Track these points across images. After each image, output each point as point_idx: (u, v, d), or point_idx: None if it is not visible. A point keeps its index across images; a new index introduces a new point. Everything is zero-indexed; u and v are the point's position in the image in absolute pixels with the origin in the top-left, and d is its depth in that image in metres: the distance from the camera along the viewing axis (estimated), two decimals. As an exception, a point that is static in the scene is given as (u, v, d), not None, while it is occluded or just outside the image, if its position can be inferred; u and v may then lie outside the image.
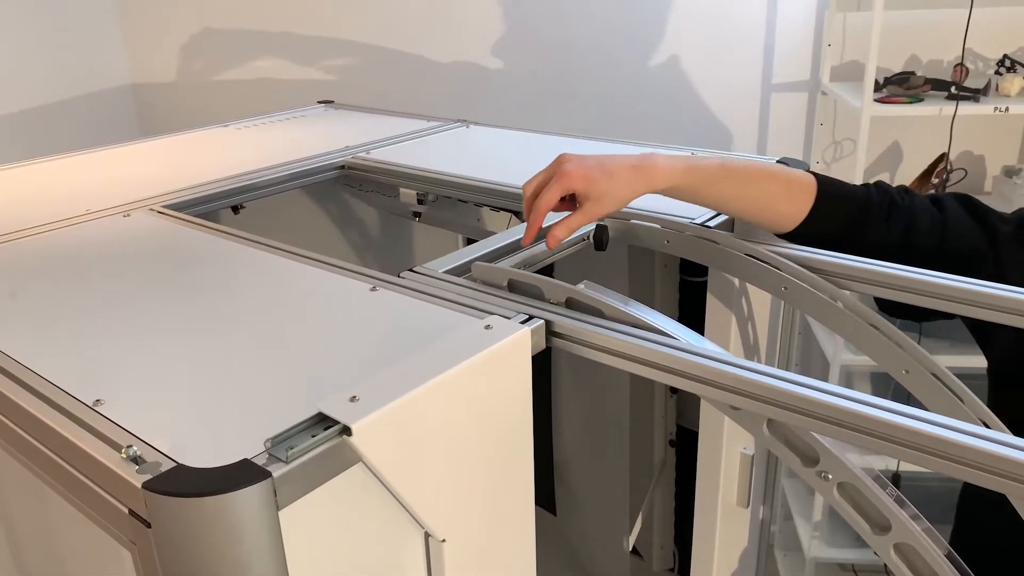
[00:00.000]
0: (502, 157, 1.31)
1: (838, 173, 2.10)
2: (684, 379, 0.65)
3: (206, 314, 0.75)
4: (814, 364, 2.12)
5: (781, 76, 2.07)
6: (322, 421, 0.56)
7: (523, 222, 1.28)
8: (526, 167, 1.27)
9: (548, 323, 0.72)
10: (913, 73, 1.84)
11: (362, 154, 1.32)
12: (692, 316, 1.28)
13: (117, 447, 0.55)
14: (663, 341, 0.67)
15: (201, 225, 1.00)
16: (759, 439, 0.66)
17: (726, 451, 1.10)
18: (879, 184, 0.90)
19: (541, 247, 0.87)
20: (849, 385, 2.00)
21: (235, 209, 1.23)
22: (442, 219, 1.34)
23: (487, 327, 0.68)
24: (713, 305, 1.01)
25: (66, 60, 2.17)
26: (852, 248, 0.86)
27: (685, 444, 1.35)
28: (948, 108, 1.69)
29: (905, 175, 2.05)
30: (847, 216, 0.87)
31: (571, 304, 0.75)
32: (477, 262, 0.82)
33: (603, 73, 2.14)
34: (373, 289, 0.79)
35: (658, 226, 0.91)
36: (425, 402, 0.59)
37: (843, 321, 0.81)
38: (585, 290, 0.73)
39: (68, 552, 0.68)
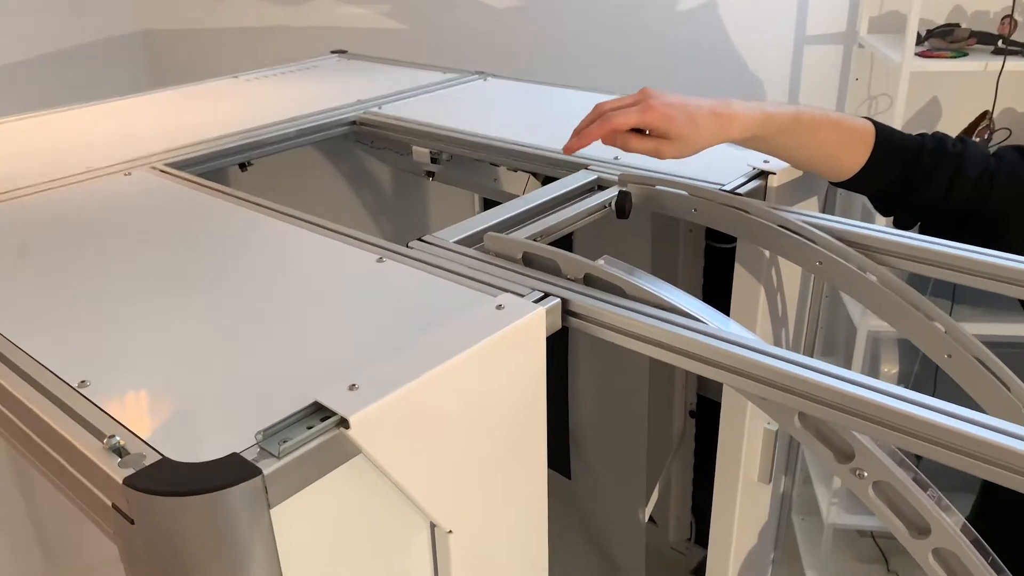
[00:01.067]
0: (521, 113, 1.25)
1: (872, 131, 2.00)
2: (710, 367, 0.60)
3: (201, 288, 0.71)
4: (839, 330, 2.06)
5: (815, 28, 1.97)
6: (318, 411, 0.52)
7: (541, 182, 1.24)
8: (546, 124, 1.23)
9: (564, 301, 0.67)
10: (957, 25, 1.74)
11: (374, 109, 1.27)
12: (718, 284, 1.23)
13: (100, 435, 0.51)
14: (689, 324, 0.62)
15: (203, 186, 0.95)
16: (788, 431, 0.61)
17: (749, 426, 1.06)
18: (936, 134, 0.87)
19: (558, 219, 0.82)
20: (876, 352, 1.94)
21: (242, 166, 1.18)
22: (456, 178, 1.29)
23: (499, 307, 0.63)
24: (741, 276, 0.96)
25: (72, 6, 2.11)
26: (900, 199, 0.86)
27: (705, 414, 1.31)
28: (994, 63, 1.59)
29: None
30: (899, 165, 0.85)
31: (590, 281, 0.70)
32: (490, 232, 0.77)
33: (627, 23, 2.05)
34: (380, 260, 0.74)
35: (685, 193, 0.86)
36: (430, 390, 0.55)
37: (880, 299, 0.75)
38: (605, 266, 0.68)
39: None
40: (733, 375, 0.59)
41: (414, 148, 1.19)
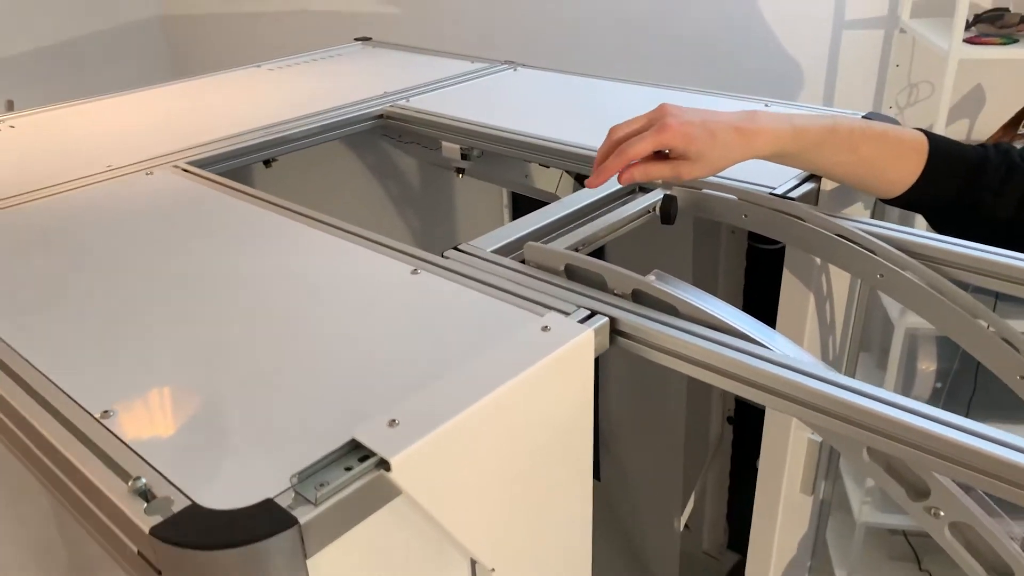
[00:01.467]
0: (553, 106, 1.20)
1: (913, 119, 1.94)
2: (774, 397, 0.56)
3: (228, 304, 0.67)
4: (875, 326, 2.01)
5: (855, 11, 1.89)
6: (356, 449, 0.48)
7: (574, 179, 1.20)
8: (580, 118, 1.18)
9: (612, 320, 0.63)
10: (1007, 10, 1.66)
11: (402, 102, 1.22)
12: (761, 286, 1.18)
13: (125, 475, 0.48)
14: (749, 349, 0.58)
15: (227, 187, 0.91)
16: (855, 464, 0.57)
17: (793, 436, 1.01)
18: (999, 145, 0.81)
19: (600, 225, 0.78)
20: (913, 349, 1.89)
21: (267, 163, 1.14)
22: (486, 174, 1.25)
23: (544, 328, 0.59)
24: (789, 282, 0.91)
25: (93, -9, 2.08)
26: (963, 217, 0.79)
27: (743, 420, 1.27)
28: (1047, 51, 1.52)
29: (987, 123, 1.89)
30: (959, 180, 0.79)
31: (638, 297, 0.66)
32: (531, 243, 0.73)
33: (660, 7, 1.98)
34: (415, 272, 0.71)
35: (734, 197, 0.81)
36: (474, 424, 0.51)
37: (948, 317, 0.70)
38: (656, 282, 0.64)
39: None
40: (799, 406, 0.55)
41: (443, 144, 1.15)
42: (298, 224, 0.81)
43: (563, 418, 0.59)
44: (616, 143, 0.73)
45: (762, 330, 0.60)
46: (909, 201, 0.81)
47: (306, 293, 0.68)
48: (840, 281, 0.96)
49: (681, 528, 1.28)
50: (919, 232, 0.75)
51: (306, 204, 0.88)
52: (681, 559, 1.35)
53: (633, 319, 0.62)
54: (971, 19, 1.66)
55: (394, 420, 0.49)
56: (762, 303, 1.19)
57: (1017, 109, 1.77)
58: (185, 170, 0.98)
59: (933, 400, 1.89)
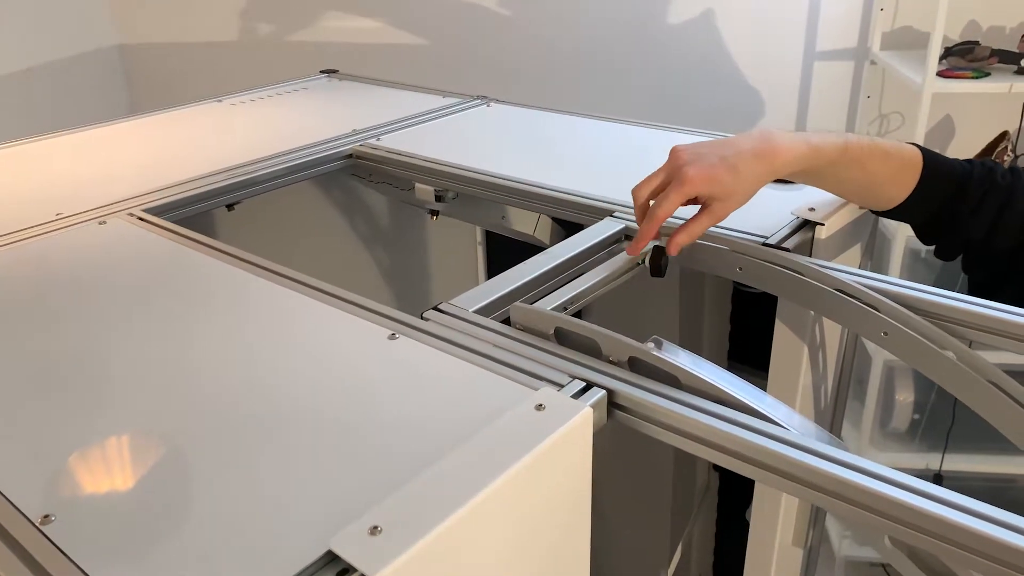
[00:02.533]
0: (529, 144, 1.16)
1: (883, 149, 1.93)
2: (790, 482, 0.51)
3: (186, 383, 0.61)
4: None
5: (825, 43, 1.89)
6: (334, 562, 0.43)
7: (553, 221, 1.16)
8: (555, 157, 1.14)
9: (609, 392, 0.58)
10: (977, 43, 1.67)
11: (372, 140, 1.17)
12: (749, 332, 1.15)
13: (66, 601, 0.41)
14: (761, 428, 0.53)
15: (186, 238, 0.85)
16: (876, 550, 0.53)
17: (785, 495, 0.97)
18: (985, 162, 0.81)
19: (589, 281, 0.73)
20: (891, 381, 1.87)
21: (230, 206, 1.08)
22: (462, 214, 1.20)
23: (539, 407, 0.54)
24: (782, 334, 0.87)
25: (40, 19, 2.00)
26: (945, 229, 0.81)
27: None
28: (1019, 84, 1.52)
29: (957, 154, 1.88)
30: (944, 195, 0.79)
31: (635, 365, 0.61)
32: (517, 304, 0.68)
33: (630, 39, 1.96)
34: (392, 337, 0.65)
35: (727, 248, 0.77)
36: (467, 525, 0.46)
37: (958, 378, 0.67)
38: (655, 349, 0.60)
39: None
40: (818, 493, 0.51)
41: (417, 186, 1.10)
42: (263, 281, 0.75)
43: (561, 504, 0.54)
44: (644, 206, 0.74)
45: (772, 405, 0.56)
46: (901, 214, 0.81)
47: (271, 368, 0.62)
48: (833, 329, 0.92)
49: (668, 579, 1.24)
50: (923, 288, 0.71)
51: (272, 248, 0.82)
52: (666, 609, 1.30)
53: (632, 392, 0.58)
54: (942, 52, 1.66)
55: (376, 527, 0.44)
56: (750, 348, 1.16)
57: (987, 141, 1.77)
58: (141, 218, 0.91)
59: (911, 432, 1.88)
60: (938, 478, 1.82)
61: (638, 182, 0.74)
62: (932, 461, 1.83)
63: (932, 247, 0.85)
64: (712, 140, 0.75)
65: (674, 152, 0.73)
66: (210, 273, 0.78)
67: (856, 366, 1.99)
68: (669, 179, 0.72)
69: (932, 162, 0.80)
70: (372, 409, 0.56)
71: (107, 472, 0.51)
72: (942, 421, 1.79)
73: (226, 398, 0.58)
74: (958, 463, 1.82)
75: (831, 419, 1.09)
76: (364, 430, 0.54)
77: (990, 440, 1.79)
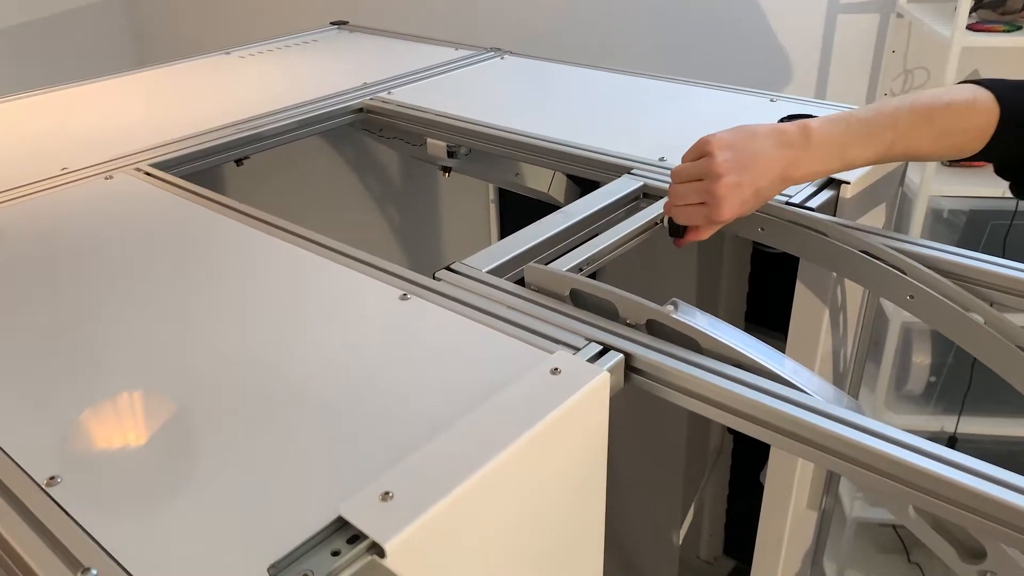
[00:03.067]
0: (543, 98, 1.13)
1: (907, 106, 1.88)
2: (813, 449, 0.50)
3: (196, 341, 0.60)
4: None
5: (851, -6, 1.83)
6: (344, 528, 0.42)
7: (567, 178, 1.13)
8: (572, 112, 1.11)
9: (627, 355, 0.56)
10: (1008, -5, 1.61)
11: (383, 94, 1.14)
12: (767, 293, 1.12)
13: (74, 564, 0.41)
14: (783, 393, 0.52)
15: (194, 194, 0.84)
16: (901, 520, 0.52)
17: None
18: None
19: (606, 241, 0.71)
20: (908, 343, 1.85)
21: (238, 161, 1.06)
22: (474, 171, 1.17)
23: (554, 370, 0.52)
24: (803, 295, 0.85)
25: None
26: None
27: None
28: (1052, 39, 1.47)
29: (984, 110, 1.84)
30: None
31: (653, 328, 0.59)
32: (532, 264, 0.66)
33: (648, -11, 1.91)
34: (404, 297, 0.64)
35: (749, 209, 0.75)
36: (481, 492, 0.44)
37: (984, 342, 0.65)
38: (675, 312, 0.58)
39: None
40: (841, 460, 0.49)
41: (429, 141, 1.08)
42: (272, 239, 0.74)
43: (576, 470, 0.53)
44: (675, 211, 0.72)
45: (794, 369, 0.54)
46: (977, 158, 0.73)
47: (282, 327, 0.61)
48: (854, 291, 0.90)
49: (680, 541, 1.23)
50: (951, 249, 0.69)
51: (281, 205, 0.80)
52: (678, 566, 1.31)
53: (650, 355, 0.56)
54: (972, 4, 1.60)
55: (387, 492, 0.43)
56: (768, 309, 1.14)
57: (1016, 97, 1.71)
58: (148, 173, 0.90)
59: (927, 394, 1.86)
60: (952, 440, 1.81)
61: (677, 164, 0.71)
62: (947, 424, 1.82)
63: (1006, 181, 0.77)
64: (745, 136, 0.68)
65: (708, 161, 0.67)
66: (218, 230, 0.76)
67: (874, 328, 1.97)
68: (700, 175, 0.68)
69: (1011, 112, 0.70)
70: (383, 372, 0.55)
71: (114, 434, 0.50)
72: (959, 383, 1.77)
73: (233, 359, 0.57)
74: (973, 426, 1.80)
75: (848, 382, 1.07)
76: (375, 394, 0.52)
77: (1006, 403, 1.77)
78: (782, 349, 0.91)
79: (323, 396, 0.53)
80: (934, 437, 1.84)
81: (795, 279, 0.85)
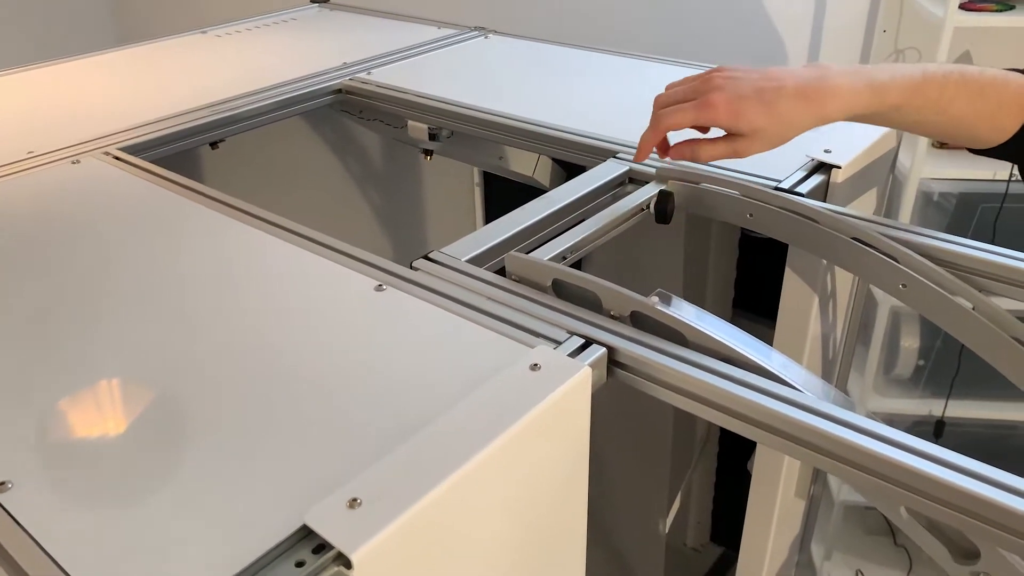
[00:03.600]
0: (528, 80, 1.10)
1: (898, 87, 1.86)
2: (803, 448, 0.48)
3: (160, 338, 0.57)
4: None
5: (842, -28, 1.80)
6: (309, 537, 0.40)
7: (553, 161, 1.10)
8: (558, 94, 1.08)
9: (610, 349, 0.54)
10: (1002, -27, 1.58)
11: (362, 75, 1.11)
12: (755, 277, 1.11)
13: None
14: (772, 390, 0.50)
15: (163, 179, 0.81)
16: (894, 519, 0.50)
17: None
18: None
19: (590, 228, 0.69)
20: (896, 327, 1.84)
21: (213, 144, 1.03)
22: (457, 154, 1.15)
23: (534, 366, 0.50)
24: (792, 282, 0.83)
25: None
26: None
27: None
28: (1045, 19, 1.44)
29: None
30: None
31: (638, 320, 0.57)
32: (512, 253, 0.64)
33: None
34: (379, 288, 0.61)
35: (737, 193, 0.72)
36: (454, 496, 0.42)
37: (979, 333, 0.63)
38: (660, 304, 0.55)
39: None
40: (832, 460, 0.47)
41: (410, 123, 1.05)
42: (244, 227, 0.71)
43: (557, 471, 0.51)
44: (658, 112, 0.66)
45: (784, 365, 0.52)
46: (1001, 155, 0.70)
47: (249, 321, 0.58)
48: (844, 277, 0.88)
49: (667, 529, 1.22)
50: (945, 236, 0.67)
51: (258, 189, 0.77)
52: (665, 554, 1.30)
53: (634, 349, 0.54)
54: (964, -17, 1.58)
55: (355, 499, 0.40)
56: (756, 295, 1.12)
57: (1007, 78, 1.69)
58: (117, 157, 0.86)
59: (915, 378, 1.85)
60: (940, 424, 1.81)
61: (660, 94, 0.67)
62: (935, 407, 1.81)
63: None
64: (759, 69, 0.64)
65: (709, 73, 0.64)
66: (188, 217, 0.73)
67: (862, 311, 1.96)
68: (693, 96, 0.63)
69: None
70: (354, 369, 0.52)
71: (71, 437, 0.48)
72: (947, 367, 1.77)
73: (198, 356, 0.54)
74: (961, 409, 1.80)
75: (838, 369, 1.05)
76: (345, 392, 0.50)
77: (994, 387, 1.77)
78: (771, 336, 0.90)
79: (289, 395, 0.50)
80: (922, 421, 1.83)
81: (784, 264, 0.83)
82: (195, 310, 0.60)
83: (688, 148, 0.66)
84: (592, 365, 0.52)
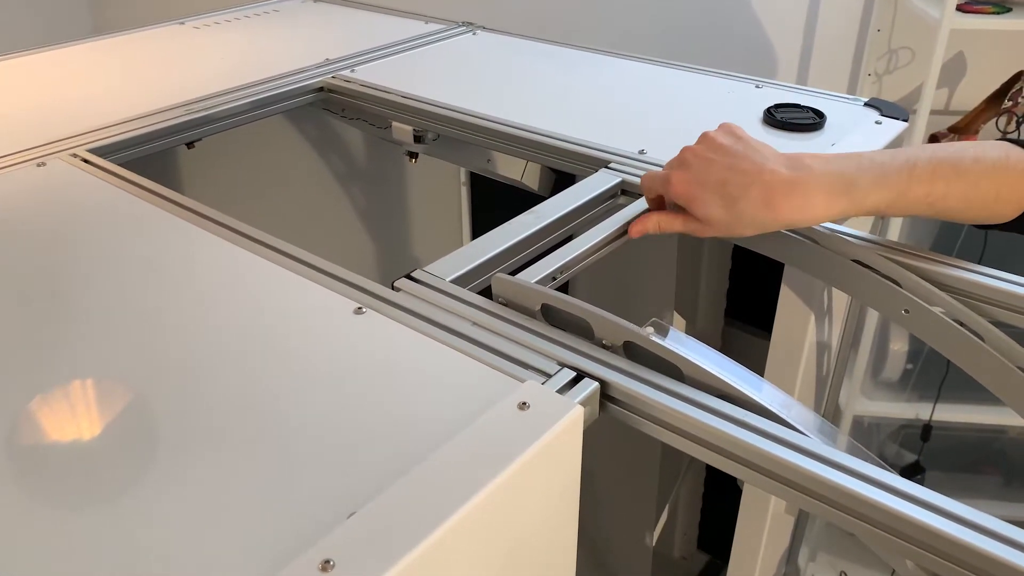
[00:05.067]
0: (518, 80, 1.06)
1: (891, 87, 1.84)
2: (809, 499, 0.45)
3: (113, 363, 0.54)
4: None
5: (836, -30, 1.77)
6: (278, 604, 0.36)
7: (542, 166, 1.07)
8: (548, 97, 1.04)
9: (602, 383, 0.51)
10: (999, -25, 1.56)
11: (346, 72, 1.07)
12: (748, 289, 1.08)
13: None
14: (775, 433, 0.47)
15: (134, 184, 0.77)
16: (899, 570, 0.47)
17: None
18: None
19: (581, 247, 0.66)
20: (885, 330, 1.82)
21: (189, 144, 0.99)
22: (443, 155, 1.11)
23: (522, 405, 0.47)
24: (788, 301, 0.80)
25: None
26: None
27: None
28: (1043, 22, 1.42)
29: (969, 95, 1.80)
30: None
31: (631, 351, 0.54)
32: (499, 275, 0.60)
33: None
34: (359, 311, 0.58)
35: (733, 211, 0.69)
36: (436, 554, 0.39)
37: (985, 362, 0.61)
38: (655, 336, 0.53)
39: None
40: (839, 512, 0.45)
41: (394, 124, 1.01)
42: (217, 239, 0.67)
43: (546, 515, 0.48)
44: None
45: (785, 403, 0.49)
46: (1009, 228, 0.64)
47: (211, 350, 0.54)
48: (840, 296, 0.86)
49: (655, 540, 1.20)
50: (951, 260, 0.64)
51: (237, 192, 0.74)
52: (652, 563, 1.28)
53: (628, 383, 0.51)
54: (961, -17, 1.55)
55: (328, 561, 0.37)
56: (750, 304, 1.09)
57: (1001, 81, 1.68)
58: (86, 160, 0.82)
59: (903, 381, 1.84)
60: (927, 428, 1.80)
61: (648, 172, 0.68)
62: (923, 411, 1.80)
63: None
64: (740, 150, 0.60)
65: (691, 147, 0.63)
66: (159, 228, 0.70)
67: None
68: (670, 167, 0.64)
69: None
70: (327, 407, 0.49)
71: (5, 483, 0.44)
72: (935, 371, 1.76)
73: (153, 390, 0.51)
74: (949, 413, 1.79)
75: (831, 380, 1.03)
76: (316, 435, 0.47)
77: (981, 391, 1.75)
78: (766, 348, 0.87)
79: (254, 436, 0.47)
80: (909, 424, 1.82)
81: (779, 275, 0.81)
82: (158, 332, 0.56)
83: (651, 222, 0.65)
84: (584, 403, 0.49)
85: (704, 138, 0.63)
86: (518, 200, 0.89)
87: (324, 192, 1.32)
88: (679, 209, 0.64)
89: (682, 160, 0.63)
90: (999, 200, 0.60)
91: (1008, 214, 0.61)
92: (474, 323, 0.57)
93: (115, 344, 0.55)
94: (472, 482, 0.41)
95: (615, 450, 1.16)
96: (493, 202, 1.40)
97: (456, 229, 1.45)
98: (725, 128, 0.63)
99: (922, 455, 1.80)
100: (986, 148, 0.60)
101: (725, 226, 0.60)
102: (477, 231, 1.44)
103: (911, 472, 1.79)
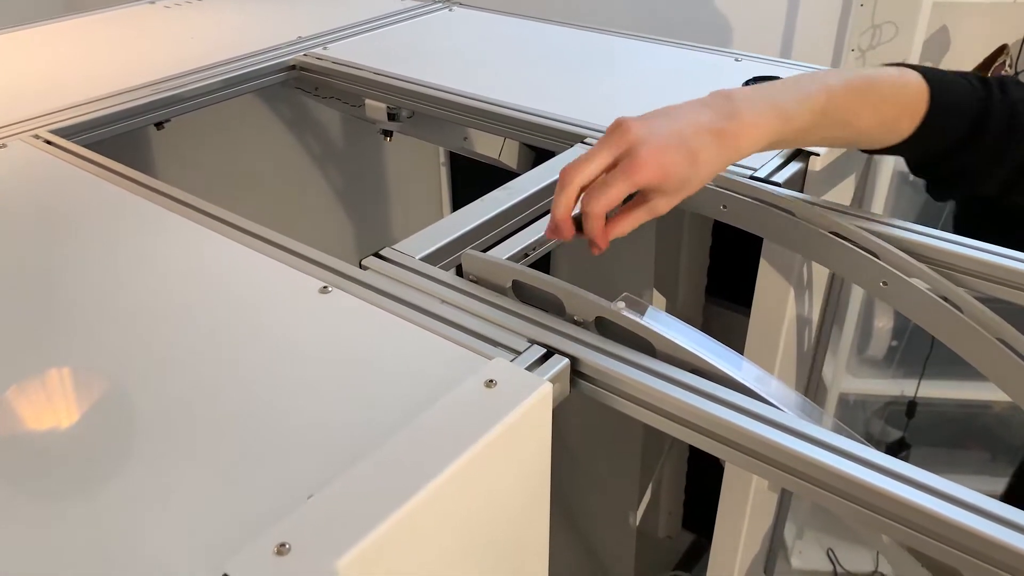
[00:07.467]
0: (495, 57, 1.04)
1: (874, 62, 1.82)
2: (783, 473, 0.44)
3: (72, 346, 0.52)
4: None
5: (819, -56, 1.75)
6: (231, 589, 0.35)
7: (518, 144, 1.05)
8: (526, 72, 1.02)
9: (573, 360, 0.50)
10: (982, -54, 1.54)
11: (318, 50, 1.05)
12: (729, 266, 1.07)
13: None
14: (748, 407, 0.46)
15: (97, 165, 0.75)
16: (875, 545, 0.46)
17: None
18: (1004, 83, 0.65)
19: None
20: (870, 307, 1.82)
21: (159, 124, 0.96)
22: (419, 134, 1.09)
23: (489, 383, 0.46)
24: (767, 276, 0.79)
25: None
26: (943, 179, 0.66)
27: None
28: (1025, -6, 1.41)
29: (950, 68, 1.78)
30: (950, 141, 0.63)
31: (603, 326, 0.53)
32: (469, 251, 0.59)
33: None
34: (324, 290, 0.56)
35: (711, 185, 0.68)
36: (396, 537, 0.38)
37: (963, 334, 0.60)
38: (627, 310, 0.51)
39: None
40: (813, 487, 0.44)
41: (367, 102, 0.99)
42: (186, 221, 0.66)
43: (514, 495, 0.47)
44: (575, 193, 0.55)
45: (759, 377, 0.48)
46: (895, 151, 0.66)
47: (175, 333, 0.53)
48: (820, 271, 0.85)
49: (638, 520, 1.20)
50: (931, 231, 0.63)
51: (207, 173, 0.72)
52: (636, 543, 1.27)
53: (599, 359, 0.50)
54: (944, -44, 1.54)
55: (284, 544, 0.36)
56: (730, 280, 1.08)
57: (984, 55, 1.66)
58: (48, 141, 0.80)
59: (888, 358, 1.84)
60: (912, 405, 1.80)
61: (575, 160, 0.56)
62: (908, 388, 1.80)
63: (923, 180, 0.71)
64: (663, 110, 0.57)
65: (620, 126, 0.55)
66: (123, 210, 0.68)
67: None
68: (618, 159, 0.55)
69: (939, 100, 0.62)
70: (288, 386, 0.48)
71: (-31, 466, 0.43)
72: (920, 348, 1.76)
73: (115, 371, 0.49)
74: (934, 390, 1.79)
75: (813, 356, 1.03)
76: (277, 416, 0.45)
77: (966, 366, 1.76)
78: (746, 324, 0.86)
79: (209, 418, 0.45)
80: (894, 401, 1.82)
81: (758, 250, 0.80)
82: (119, 314, 0.54)
83: (616, 230, 0.58)
84: (553, 379, 0.48)
85: (623, 121, 0.56)
86: (499, 180, 0.87)
87: (301, 173, 1.30)
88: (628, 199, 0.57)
89: (634, 144, 0.54)
90: (903, 113, 0.61)
91: (906, 129, 0.62)
92: (443, 301, 0.55)
93: (74, 327, 0.53)
94: (435, 462, 0.40)
95: (596, 429, 1.15)
96: (474, 182, 1.38)
97: (436, 210, 1.43)
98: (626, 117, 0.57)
99: (907, 432, 1.80)
100: (882, 69, 0.63)
101: (691, 186, 0.56)
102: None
103: (896, 449, 1.79)
